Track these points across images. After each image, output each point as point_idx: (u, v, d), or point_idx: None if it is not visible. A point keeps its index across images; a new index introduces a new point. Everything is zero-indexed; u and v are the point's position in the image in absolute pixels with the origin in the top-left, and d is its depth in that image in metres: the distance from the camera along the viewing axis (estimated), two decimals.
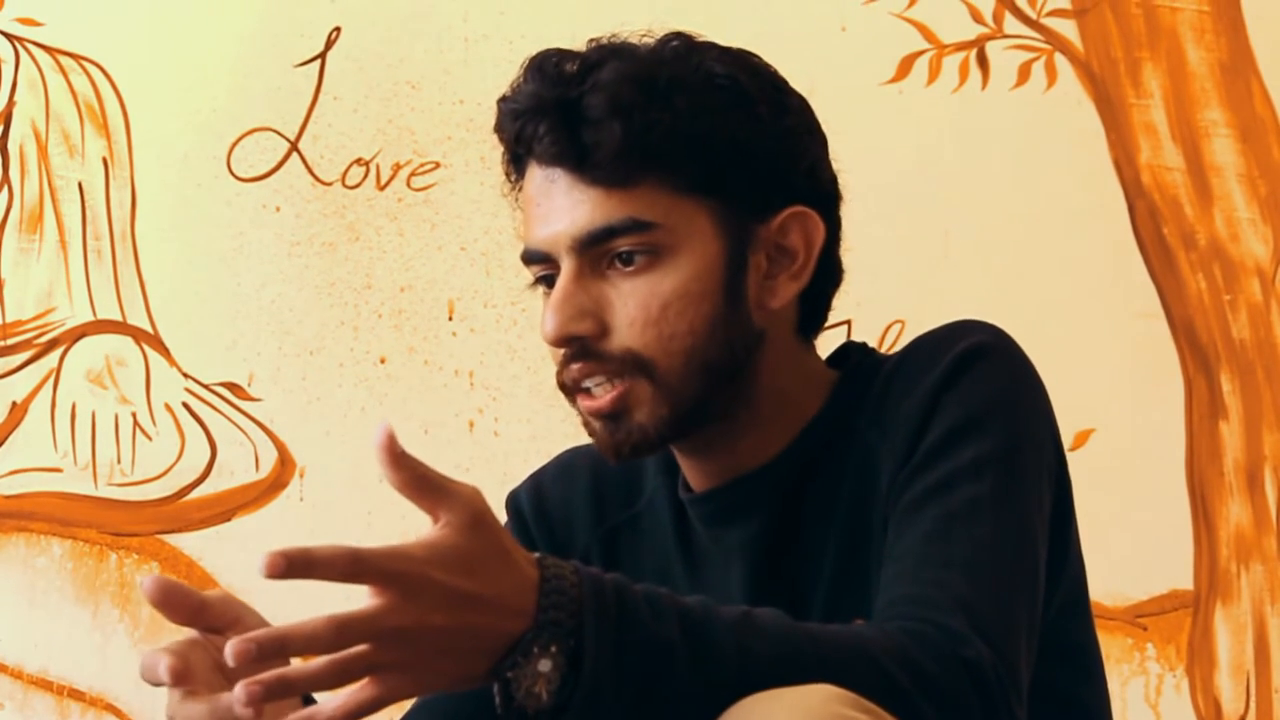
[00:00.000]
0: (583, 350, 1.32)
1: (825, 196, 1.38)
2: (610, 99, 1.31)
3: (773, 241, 1.35)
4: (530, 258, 1.35)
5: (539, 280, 1.37)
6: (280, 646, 1.01)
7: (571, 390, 1.34)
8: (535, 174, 1.35)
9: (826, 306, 1.41)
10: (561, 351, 1.34)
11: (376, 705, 1.04)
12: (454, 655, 1.05)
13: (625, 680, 1.07)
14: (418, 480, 1.04)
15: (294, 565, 1.00)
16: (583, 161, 1.31)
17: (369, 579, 1.02)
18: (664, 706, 1.09)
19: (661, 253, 1.31)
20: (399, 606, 1.02)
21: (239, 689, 1.01)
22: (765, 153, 1.34)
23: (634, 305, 1.31)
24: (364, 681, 1.03)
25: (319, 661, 1.02)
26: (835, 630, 1.16)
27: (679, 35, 1.37)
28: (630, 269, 1.32)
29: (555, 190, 1.33)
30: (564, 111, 1.32)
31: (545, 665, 1.06)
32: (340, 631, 1.01)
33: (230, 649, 1.00)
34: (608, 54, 1.34)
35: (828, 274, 1.39)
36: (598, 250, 1.32)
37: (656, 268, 1.32)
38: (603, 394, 1.32)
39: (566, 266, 1.33)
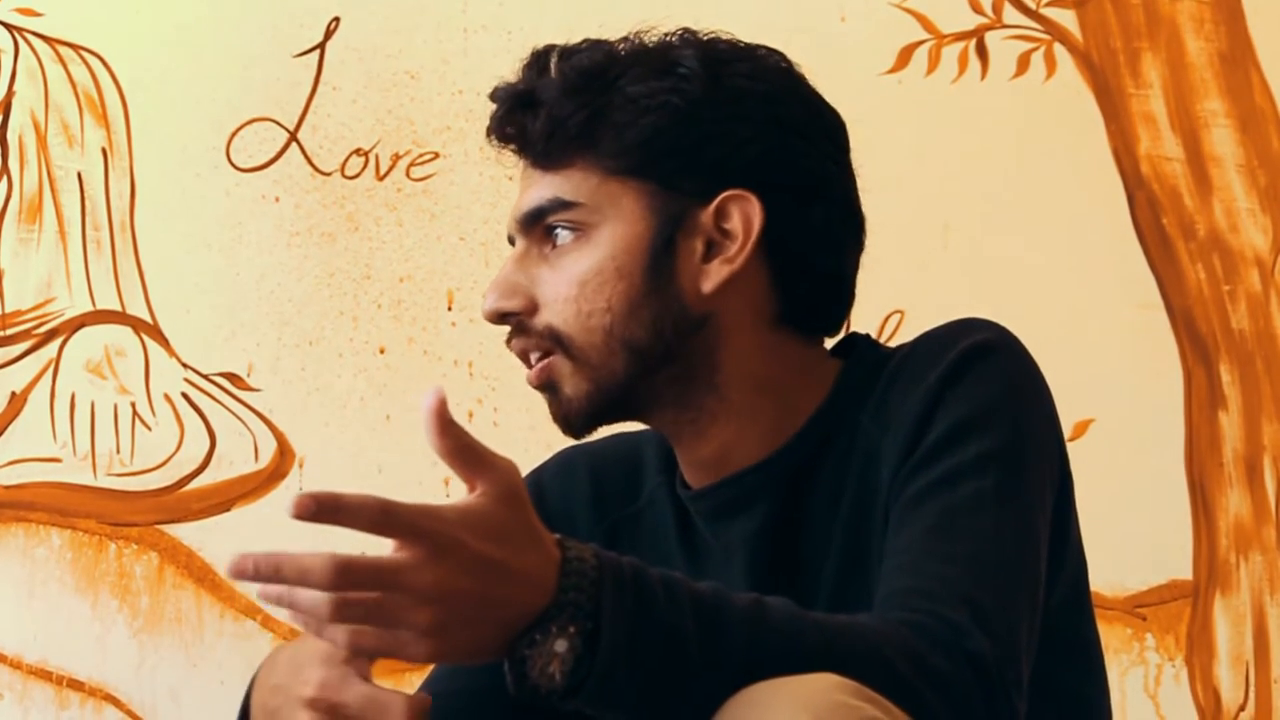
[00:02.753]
0: (517, 327, 1.37)
1: (783, 184, 1.37)
2: (555, 86, 1.36)
3: (713, 225, 1.36)
4: (509, 241, 1.41)
5: None
6: (274, 570, 1.02)
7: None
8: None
9: (819, 300, 1.40)
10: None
11: (384, 655, 1.05)
12: (474, 625, 1.05)
13: (637, 665, 1.08)
14: (462, 449, 1.05)
15: (323, 508, 1.00)
16: (526, 146, 1.38)
17: (397, 532, 1.02)
18: (673, 692, 1.10)
19: (586, 231, 1.35)
20: (425, 564, 1.03)
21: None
22: (700, 138, 1.36)
23: (557, 282, 1.35)
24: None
25: (321, 594, 1.02)
26: (842, 620, 1.17)
27: (687, 31, 1.39)
28: (560, 247, 1.36)
29: (522, 176, 1.40)
30: (521, 99, 1.38)
31: (561, 646, 1.07)
32: (341, 573, 1.01)
33: (231, 562, 1.01)
34: (586, 46, 1.38)
35: (796, 264, 1.38)
36: (536, 230, 1.37)
37: (580, 246, 1.35)
38: (532, 368, 1.37)
39: (516, 247, 1.39)
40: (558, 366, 1.36)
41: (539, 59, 1.38)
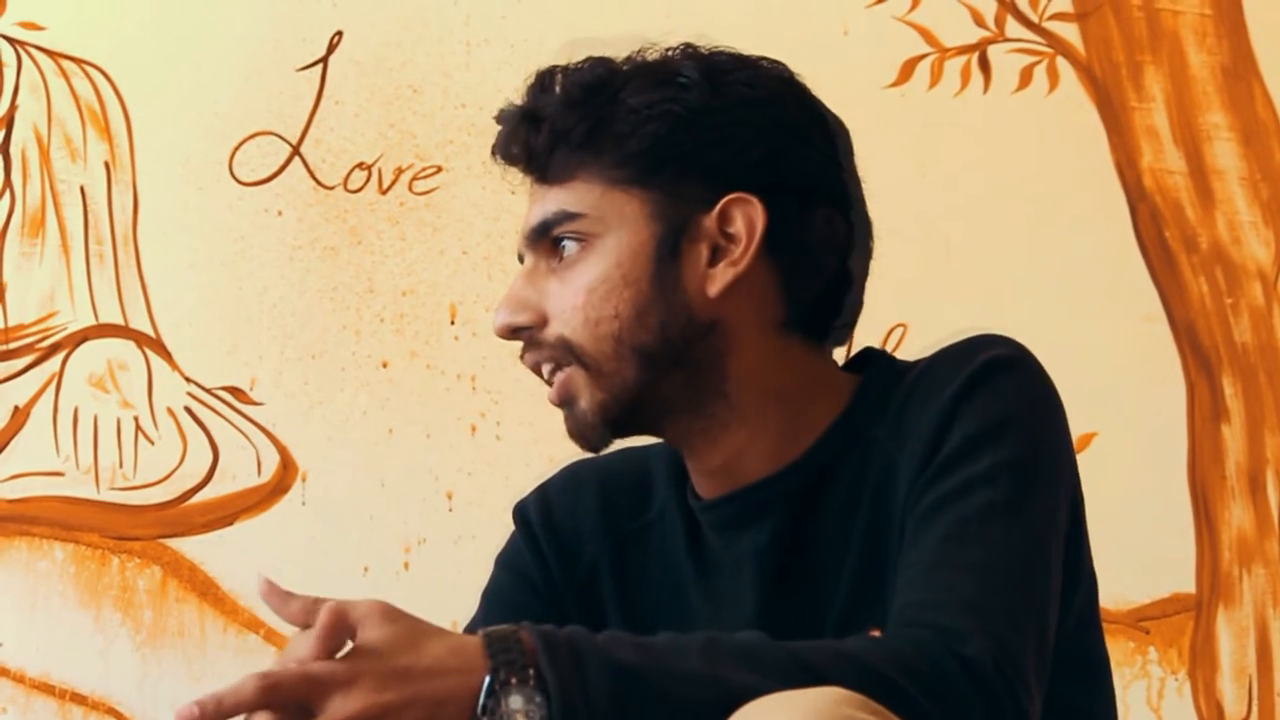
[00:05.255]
0: (529, 341, 1.38)
1: (786, 187, 1.37)
2: (557, 101, 1.37)
3: (717, 230, 1.36)
4: (519, 260, 1.42)
5: None
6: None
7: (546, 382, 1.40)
8: None
9: (826, 304, 1.40)
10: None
11: None
12: None
13: (595, 700, 1.10)
14: (314, 604, 1.10)
15: (206, 714, 1.05)
16: (530, 163, 1.39)
17: (286, 696, 1.06)
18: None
19: (591, 241, 1.36)
20: (339, 701, 1.06)
21: None
22: (700, 144, 1.36)
23: (565, 294, 1.36)
24: None
25: None
26: (817, 642, 1.18)
27: (689, 45, 1.40)
28: (566, 259, 1.37)
29: (530, 195, 1.41)
30: (523, 118, 1.39)
31: (517, 702, 1.08)
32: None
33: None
34: (590, 63, 1.39)
35: (801, 267, 1.38)
36: (543, 244, 1.38)
37: (586, 256, 1.36)
38: (552, 385, 1.38)
39: (525, 263, 1.40)
40: (575, 380, 1.36)
41: (542, 79, 1.39)
